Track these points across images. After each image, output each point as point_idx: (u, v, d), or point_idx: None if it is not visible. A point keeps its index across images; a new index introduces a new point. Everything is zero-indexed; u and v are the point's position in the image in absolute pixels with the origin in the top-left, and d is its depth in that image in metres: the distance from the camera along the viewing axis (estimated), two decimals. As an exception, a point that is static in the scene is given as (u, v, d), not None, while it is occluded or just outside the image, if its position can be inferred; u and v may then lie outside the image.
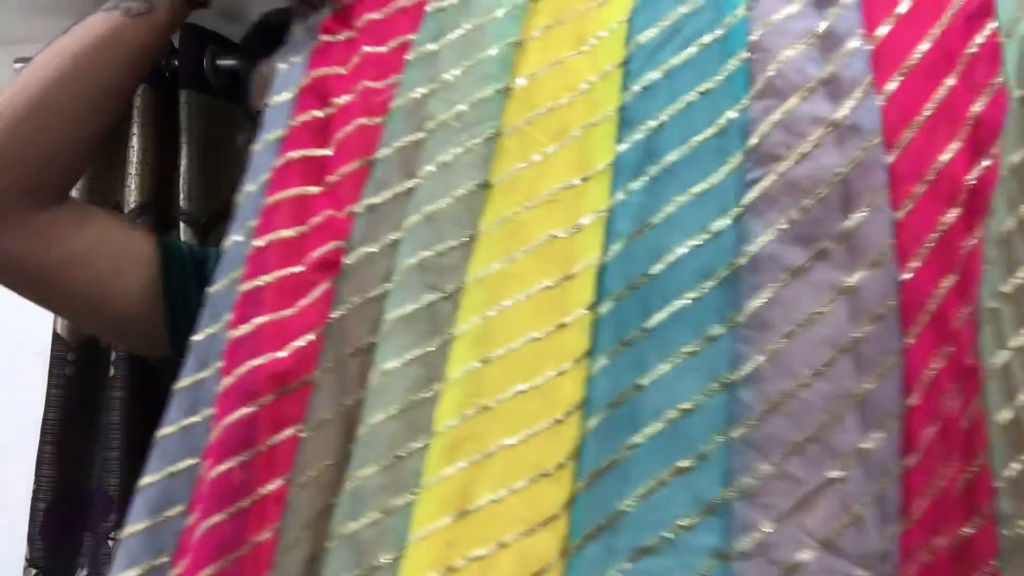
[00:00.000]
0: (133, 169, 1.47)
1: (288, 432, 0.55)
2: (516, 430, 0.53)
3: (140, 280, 0.85)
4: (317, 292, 0.57)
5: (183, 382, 0.60)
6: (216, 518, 0.53)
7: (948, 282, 0.52)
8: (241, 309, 0.58)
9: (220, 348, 0.59)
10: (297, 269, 0.58)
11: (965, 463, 0.52)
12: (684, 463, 0.52)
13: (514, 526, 0.52)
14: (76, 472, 1.37)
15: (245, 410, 0.55)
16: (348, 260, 0.58)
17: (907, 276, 0.52)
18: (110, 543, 1.30)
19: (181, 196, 1.45)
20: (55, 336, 1.41)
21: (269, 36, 0.91)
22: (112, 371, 1.37)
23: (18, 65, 1.19)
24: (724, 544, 0.51)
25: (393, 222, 0.59)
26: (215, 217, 1.48)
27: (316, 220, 0.59)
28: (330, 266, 0.58)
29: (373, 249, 0.58)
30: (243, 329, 0.57)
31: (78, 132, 0.78)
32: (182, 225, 1.43)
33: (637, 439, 0.52)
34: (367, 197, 0.59)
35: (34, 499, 1.34)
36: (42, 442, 1.37)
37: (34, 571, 1.31)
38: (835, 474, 0.50)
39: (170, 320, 0.86)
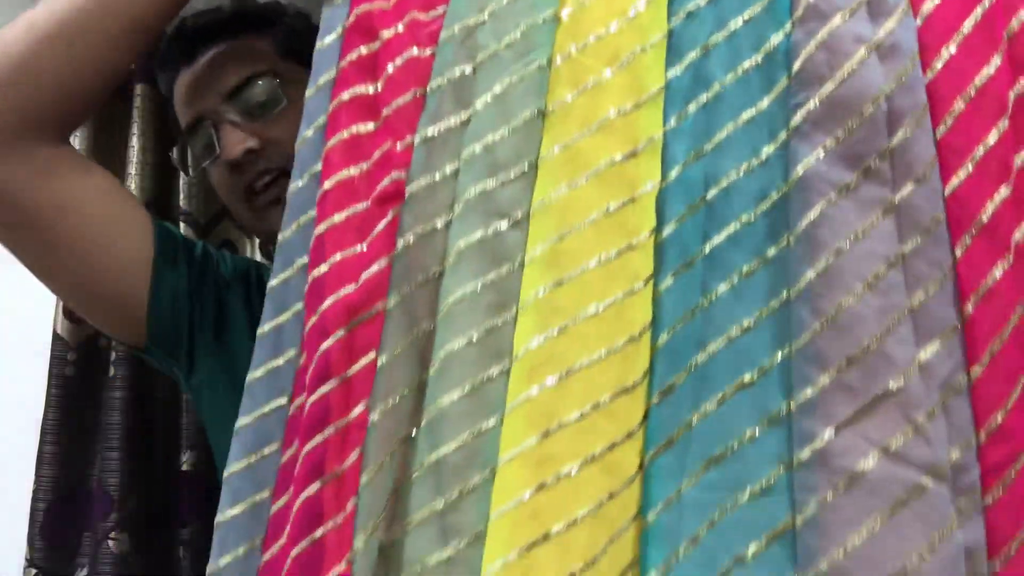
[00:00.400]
0: (133, 169, 1.48)
1: (364, 360, 0.57)
2: (594, 349, 0.55)
3: (131, 249, 0.85)
4: (382, 224, 0.59)
5: (264, 328, 0.62)
6: (311, 444, 0.55)
7: (1001, 194, 0.54)
8: (317, 251, 0.60)
9: (297, 291, 0.61)
10: (363, 206, 0.60)
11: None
12: (747, 377, 0.54)
13: (600, 440, 0.54)
14: (76, 472, 1.36)
15: (325, 344, 0.57)
16: (410, 190, 0.59)
17: (951, 190, 0.54)
18: (110, 543, 1.29)
19: (181, 196, 1.46)
20: (55, 336, 1.40)
21: (186, 43, 0.94)
22: (112, 371, 1.36)
23: None
24: (788, 453, 0.53)
25: (451, 152, 0.60)
26: (215, 217, 1.49)
27: (376, 155, 0.60)
28: (392, 198, 0.59)
29: (434, 179, 0.59)
30: (321, 269, 0.59)
31: (102, 62, 0.77)
32: (182, 225, 1.43)
33: (702, 356, 0.54)
34: (423, 129, 0.61)
35: (34, 499, 1.33)
36: (42, 442, 1.36)
37: (34, 571, 1.28)
38: (894, 385, 0.52)
39: (153, 300, 0.86)
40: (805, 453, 0.52)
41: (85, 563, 1.31)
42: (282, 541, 0.55)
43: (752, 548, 0.53)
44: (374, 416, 0.56)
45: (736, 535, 0.53)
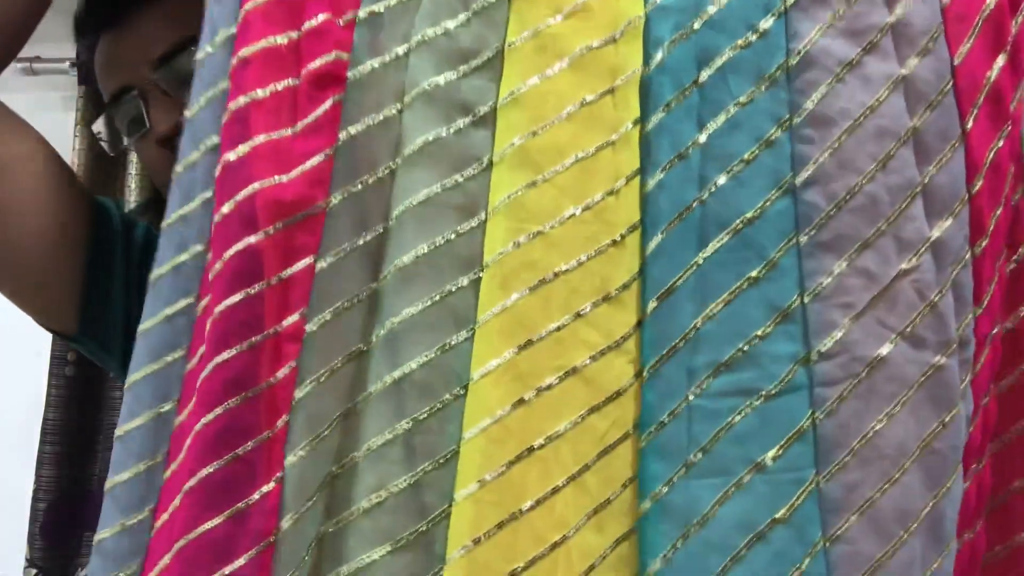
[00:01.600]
0: (133, 169, 1.47)
1: (301, 264, 0.49)
2: (572, 254, 0.51)
3: (61, 224, 0.76)
4: (320, 111, 0.50)
5: (170, 218, 0.53)
6: (225, 355, 0.48)
7: (1000, 61, 0.51)
8: (230, 130, 0.50)
9: (206, 177, 0.52)
10: (291, 82, 0.50)
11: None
12: (755, 272, 0.50)
13: (582, 351, 0.50)
14: (76, 472, 1.33)
15: (250, 239, 0.49)
16: (353, 75, 0.51)
17: (959, 60, 0.51)
18: (112, 544, 1.25)
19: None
20: (55, 336, 1.38)
21: (107, 3, 0.81)
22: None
23: (18, 65, 1.15)
24: (804, 348, 0.50)
25: (400, 34, 0.52)
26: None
27: (311, 24, 0.50)
28: (332, 81, 0.51)
29: (384, 61, 0.52)
30: (240, 150, 0.49)
31: None
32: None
33: (703, 254, 0.51)
34: (368, 4, 0.52)
35: (34, 499, 1.30)
36: (42, 442, 1.33)
37: (34, 571, 1.25)
38: (908, 264, 0.49)
39: (85, 286, 0.78)
40: (825, 345, 0.49)
41: (85, 563, 1.28)
42: (181, 457, 0.49)
43: (771, 453, 0.49)
44: (312, 327, 0.49)
45: (752, 441, 0.50)
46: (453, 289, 0.51)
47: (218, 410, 0.48)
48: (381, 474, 0.49)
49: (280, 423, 0.48)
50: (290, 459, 0.48)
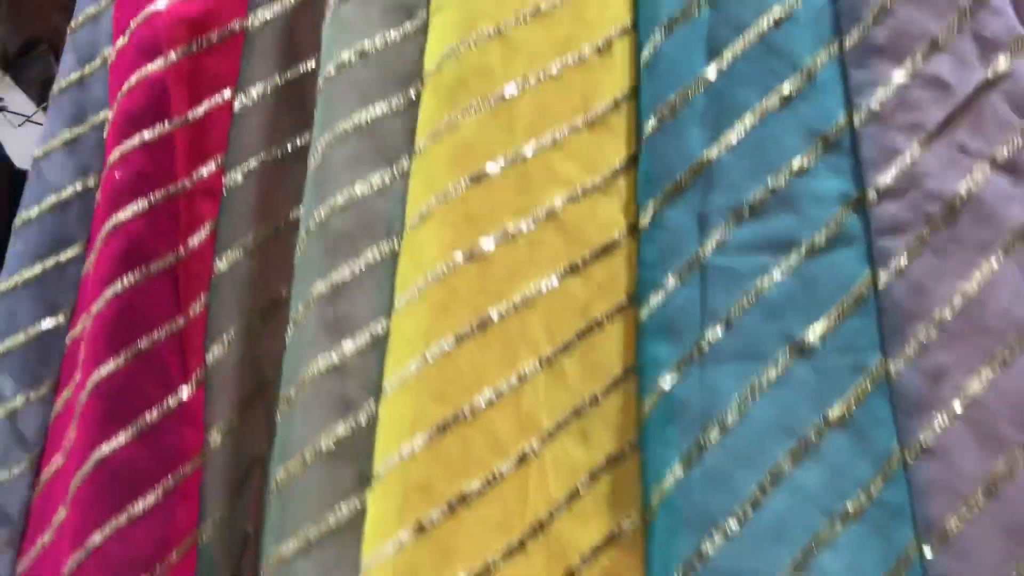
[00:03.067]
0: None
1: (215, 100, 0.39)
2: (541, 61, 0.38)
3: None
4: None
5: (60, 84, 0.44)
6: (121, 215, 0.37)
7: None
8: None
9: (107, 32, 0.43)
10: None
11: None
12: (787, 88, 0.37)
13: (556, 189, 0.37)
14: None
15: (149, 67, 0.39)
16: None
17: None
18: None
19: None
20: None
21: None
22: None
23: None
24: (855, 185, 0.36)
25: None
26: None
27: None
28: None
29: None
30: None
31: None
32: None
33: (717, 66, 0.37)
34: None
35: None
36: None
37: None
38: (995, 71, 0.36)
39: None
40: (885, 180, 0.35)
41: None
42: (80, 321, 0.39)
43: (818, 328, 0.34)
44: (234, 177, 0.39)
45: (791, 313, 0.35)
46: (386, 111, 0.39)
47: (115, 287, 0.36)
48: (297, 364, 0.36)
49: (196, 306, 0.38)
50: (213, 353, 0.37)
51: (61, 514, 0.37)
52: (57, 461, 0.39)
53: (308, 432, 0.35)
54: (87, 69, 0.43)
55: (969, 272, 0.34)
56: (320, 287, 0.36)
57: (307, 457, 0.34)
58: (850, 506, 0.32)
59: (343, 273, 0.36)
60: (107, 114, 0.42)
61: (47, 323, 0.40)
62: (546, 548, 0.33)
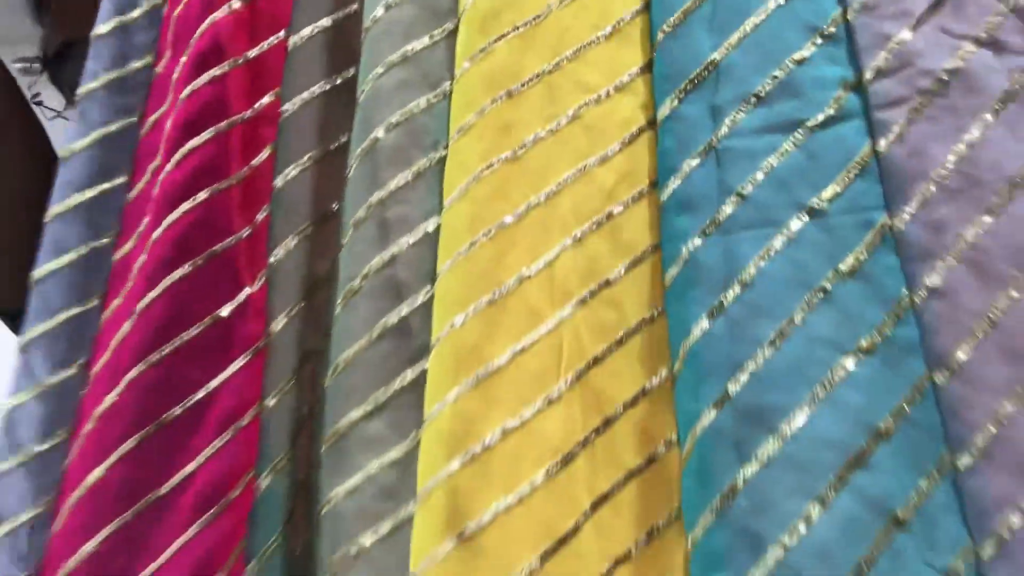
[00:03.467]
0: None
1: (271, 40, 0.44)
2: None
3: (17, 182, 0.70)
4: None
5: (100, 30, 0.47)
6: (193, 143, 0.41)
7: None
8: None
9: None
10: None
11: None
12: None
13: (580, 95, 0.42)
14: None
15: (217, 15, 0.44)
16: None
17: None
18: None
19: None
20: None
21: None
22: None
23: (18, 65, 1.12)
24: (852, 70, 0.39)
25: None
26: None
27: None
28: None
29: None
30: None
31: None
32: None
33: None
34: None
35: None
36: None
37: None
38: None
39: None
40: (879, 60, 0.39)
41: None
42: (136, 236, 0.43)
43: (826, 193, 0.37)
44: (290, 106, 0.43)
45: (800, 182, 0.38)
46: (427, 43, 0.43)
47: (187, 205, 0.40)
48: (358, 257, 0.40)
49: (260, 216, 0.42)
50: (276, 253, 0.42)
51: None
52: (103, 359, 0.42)
53: (371, 313, 0.39)
54: (127, 17, 0.47)
55: (961, 135, 0.37)
56: (379, 194, 0.40)
57: (374, 333, 0.38)
58: (864, 343, 0.35)
59: (397, 180, 0.40)
60: (150, 59, 0.46)
61: (95, 243, 0.44)
62: (582, 399, 0.36)
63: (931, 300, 0.35)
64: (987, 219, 0.36)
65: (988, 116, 0.37)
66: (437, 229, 0.40)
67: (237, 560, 0.38)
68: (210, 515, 0.37)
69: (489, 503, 0.34)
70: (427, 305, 0.39)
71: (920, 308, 0.35)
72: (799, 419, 0.34)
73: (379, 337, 0.39)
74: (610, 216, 0.39)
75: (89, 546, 0.37)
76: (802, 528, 0.32)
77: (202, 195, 0.40)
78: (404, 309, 0.39)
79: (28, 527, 0.40)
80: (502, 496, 0.34)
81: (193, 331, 0.39)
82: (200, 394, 0.38)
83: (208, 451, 0.38)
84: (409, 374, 0.38)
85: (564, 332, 0.37)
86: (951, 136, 0.37)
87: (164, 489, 0.38)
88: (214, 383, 0.38)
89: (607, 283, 0.38)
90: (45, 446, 0.41)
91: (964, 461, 0.33)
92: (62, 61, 0.77)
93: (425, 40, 0.43)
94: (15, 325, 0.80)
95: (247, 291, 0.40)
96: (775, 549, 0.32)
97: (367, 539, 0.37)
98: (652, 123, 0.41)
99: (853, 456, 0.33)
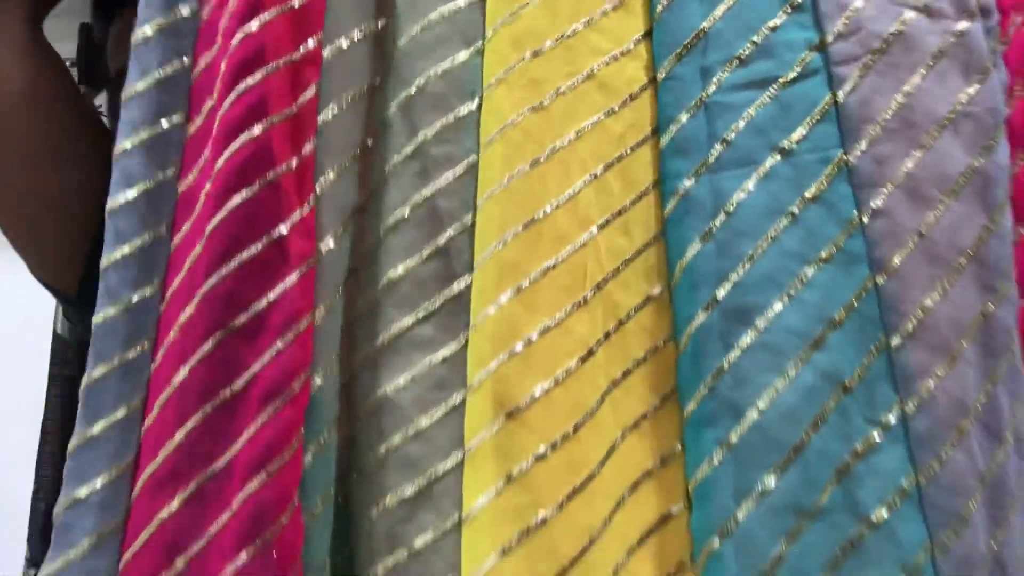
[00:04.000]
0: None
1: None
2: None
3: (77, 169, 0.69)
4: None
5: None
6: (247, 82, 0.46)
7: None
8: None
9: None
10: None
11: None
12: None
13: (594, 57, 0.50)
14: (79, 473, 1.28)
15: None
16: None
17: None
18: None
19: None
20: (55, 336, 1.35)
21: None
22: (115, 371, 1.31)
23: None
24: (817, 34, 0.48)
25: None
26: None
27: None
28: None
29: None
30: None
31: None
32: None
33: None
34: None
35: (34, 499, 1.24)
36: (42, 443, 1.28)
37: (34, 571, 1.18)
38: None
39: (93, 244, 0.70)
40: (838, 27, 0.48)
41: (89, 562, 1.21)
42: (197, 168, 0.48)
43: (795, 136, 0.47)
44: (331, 48, 0.49)
45: (774, 128, 0.47)
46: (463, 5, 0.51)
47: (243, 137, 0.46)
48: (404, 189, 0.48)
49: (307, 148, 0.47)
50: (321, 182, 0.47)
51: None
52: (179, 277, 0.48)
53: (419, 237, 0.47)
54: None
55: (901, 85, 0.47)
56: (424, 132, 0.48)
57: (424, 253, 0.47)
58: (823, 255, 0.45)
59: (440, 123, 0.48)
60: (195, 5, 0.52)
61: (160, 176, 0.49)
62: (602, 305, 0.46)
63: (875, 219, 0.45)
64: (918, 153, 0.46)
65: (922, 71, 0.47)
66: (475, 166, 0.48)
67: (297, 447, 0.44)
68: (274, 407, 0.43)
69: (531, 387, 0.43)
70: (469, 231, 0.47)
71: (866, 225, 0.45)
72: (771, 315, 0.44)
73: (428, 258, 0.47)
74: (620, 158, 0.48)
75: (178, 436, 0.44)
76: (772, 395, 0.42)
77: (257, 129, 0.46)
78: (450, 232, 0.47)
79: (121, 425, 0.46)
80: (541, 382, 0.44)
81: (253, 248, 0.45)
82: (262, 303, 0.44)
83: (270, 352, 0.44)
84: (455, 287, 0.47)
85: (588, 252, 0.46)
86: (893, 87, 0.47)
87: (237, 386, 0.44)
88: (273, 294, 0.44)
89: (619, 212, 0.48)
90: (130, 355, 0.47)
91: (895, 341, 0.43)
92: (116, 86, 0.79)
93: (462, 2, 0.51)
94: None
95: (298, 213, 0.46)
96: (751, 412, 0.42)
97: (424, 421, 0.45)
98: (653, 81, 0.50)
99: (812, 341, 0.43)
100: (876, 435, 0.42)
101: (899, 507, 0.41)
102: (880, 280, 0.44)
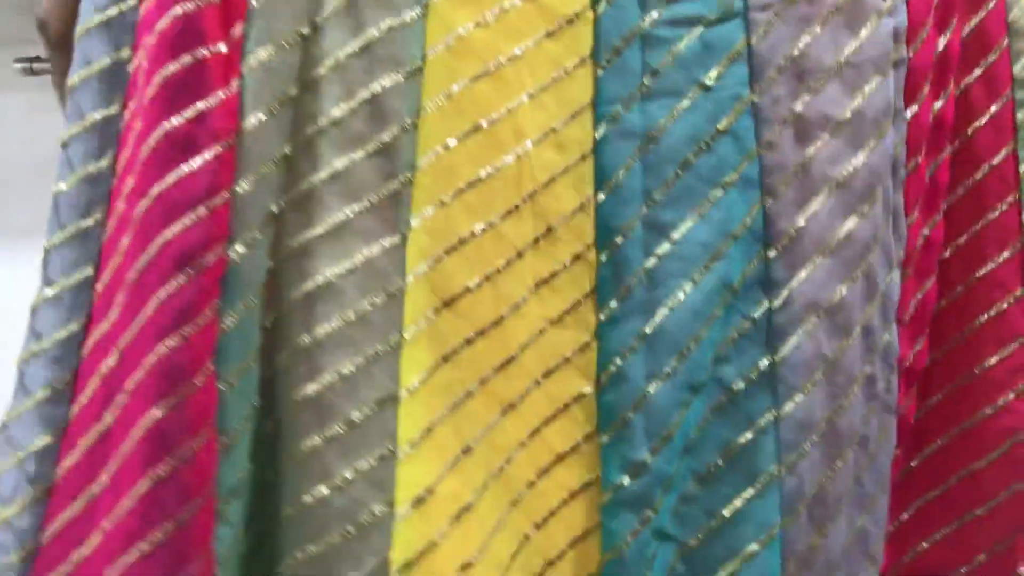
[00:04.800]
0: None
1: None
2: None
3: None
4: None
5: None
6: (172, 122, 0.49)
7: None
8: None
9: None
10: None
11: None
12: None
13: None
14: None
15: None
16: None
17: None
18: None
19: None
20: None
21: None
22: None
23: (18, 65, 1.02)
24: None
25: None
26: None
27: None
28: None
29: None
30: None
31: None
32: None
33: None
34: None
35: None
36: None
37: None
38: None
39: None
40: None
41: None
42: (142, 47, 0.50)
43: (714, 73, 0.55)
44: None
45: (697, 65, 0.55)
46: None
47: (176, 11, 0.48)
48: (347, 84, 0.51)
49: (236, 31, 0.49)
50: (249, 62, 0.50)
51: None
52: (126, 151, 0.51)
53: (362, 134, 0.51)
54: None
55: (801, 35, 0.56)
56: (371, 32, 0.51)
57: (369, 148, 0.51)
58: (728, 179, 0.55)
59: (386, 23, 0.51)
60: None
61: (116, 56, 0.53)
62: (532, 212, 0.54)
63: (768, 150, 0.56)
64: (807, 97, 0.56)
65: (819, 25, 0.56)
66: (420, 69, 0.52)
67: (211, 316, 0.48)
68: (186, 275, 0.47)
69: (465, 280, 0.52)
70: (411, 132, 0.51)
71: (762, 155, 0.56)
72: (683, 229, 0.55)
73: (370, 154, 0.51)
74: (556, 80, 0.54)
75: (119, 298, 0.50)
76: (681, 296, 0.55)
77: (185, 7, 0.48)
78: (394, 130, 0.52)
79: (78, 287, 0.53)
80: (476, 276, 0.52)
81: (176, 120, 0.48)
82: (184, 169, 0.48)
83: (187, 219, 0.48)
84: (396, 183, 0.51)
85: (522, 164, 0.53)
86: (795, 36, 0.56)
87: (151, 251, 0.48)
88: (196, 163, 0.48)
89: (553, 130, 0.54)
90: (89, 222, 0.53)
91: (772, 254, 0.56)
92: None
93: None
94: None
95: (223, 92, 0.49)
96: (662, 310, 0.55)
97: (364, 305, 0.51)
98: (593, 5, 0.55)
99: (715, 252, 0.55)
100: (747, 324, 0.56)
101: (754, 380, 0.56)
102: (767, 202, 0.56)
